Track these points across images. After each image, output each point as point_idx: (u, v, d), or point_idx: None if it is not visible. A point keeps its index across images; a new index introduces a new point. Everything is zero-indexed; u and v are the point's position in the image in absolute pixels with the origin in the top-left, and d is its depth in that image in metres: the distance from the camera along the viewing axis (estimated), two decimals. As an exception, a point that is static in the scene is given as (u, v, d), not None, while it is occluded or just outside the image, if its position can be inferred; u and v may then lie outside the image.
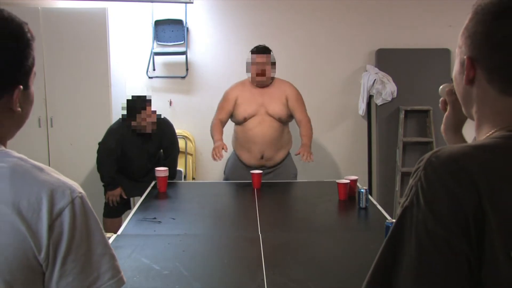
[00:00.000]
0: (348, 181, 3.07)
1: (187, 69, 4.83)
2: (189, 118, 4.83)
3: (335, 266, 2.15)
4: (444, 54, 4.72)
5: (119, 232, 2.53)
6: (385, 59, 4.75)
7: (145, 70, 4.80)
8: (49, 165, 1.01)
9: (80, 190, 0.97)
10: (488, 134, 0.84)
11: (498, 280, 0.73)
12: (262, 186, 3.36)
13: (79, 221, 0.93)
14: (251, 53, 3.62)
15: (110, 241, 2.32)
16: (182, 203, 3.24)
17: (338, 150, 4.97)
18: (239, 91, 3.66)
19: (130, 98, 3.71)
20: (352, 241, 2.46)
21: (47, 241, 0.90)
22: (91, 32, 4.23)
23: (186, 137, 4.77)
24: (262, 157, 3.62)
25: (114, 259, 0.98)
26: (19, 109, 0.98)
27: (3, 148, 0.97)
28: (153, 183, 3.44)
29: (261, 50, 3.59)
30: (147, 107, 3.60)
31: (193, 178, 4.81)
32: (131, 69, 4.81)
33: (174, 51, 4.78)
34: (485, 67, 0.84)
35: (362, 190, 2.87)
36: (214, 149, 3.45)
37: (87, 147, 4.04)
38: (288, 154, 3.75)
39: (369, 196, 2.99)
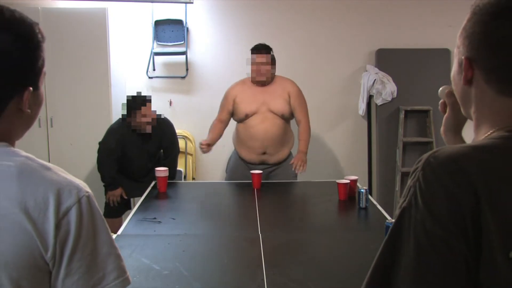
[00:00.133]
0: (348, 181, 3.07)
1: (187, 69, 4.83)
2: (189, 118, 4.84)
3: (335, 266, 2.15)
4: (444, 54, 4.72)
5: (119, 232, 2.53)
6: (385, 59, 4.75)
7: (145, 70, 4.81)
8: (49, 165, 1.01)
9: (87, 189, 0.97)
10: (486, 135, 0.84)
11: (496, 281, 0.73)
12: (262, 186, 3.36)
13: (85, 220, 0.94)
14: (251, 52, 3.62)
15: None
16: (182, 203, 3.24)
17: (338, 150, 4.97)
18: (239, 89, 3.67)
19: (130, 96, 3.71)
20: (352, 241, 2.46)
21: (53, 240, 0.90)
22: (91, 32, 4.23)
23: (186, 137, 4.77)
24: (264, 153, 3.63)
25: (120, 259, 0.98)
26: (29, 110, 0.98)
27: (11, 147, 0.97)
28: (153, 183, 3.44)
29: (260, 49, 3.59)
30: (145, 106, 3.59)
31: (193, 178, 4.81)
32: (131, 69, 4.81)
33: (174, 51, 4.78)
34: (483, 67, 0.84)
35: (362, 190, 2.87)
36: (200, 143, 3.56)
37: (87, 147, 4.04)
38: (290, 153, 3.76)
39: (369, 196, 2.99)
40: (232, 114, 3.70)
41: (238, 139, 3.73)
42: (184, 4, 4.67)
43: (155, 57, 4.80)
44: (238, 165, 3.73)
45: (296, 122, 3.69)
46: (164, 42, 4.79)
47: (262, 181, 3.39)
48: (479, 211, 0.73)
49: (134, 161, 3.73)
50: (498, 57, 0.81)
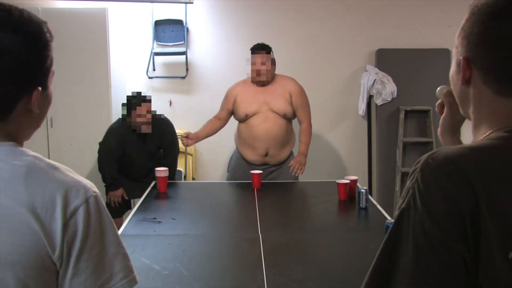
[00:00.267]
0: (348, 181, 3.07)
1: (187, 69, 4.83)
2: (189, 118, 4.83)
3: (335, 266, 2.15)
4: (444, 54, 4.72)
5: (119, 232, 2.52)
6: (385, 59, 4.75)
7: (145, 70, 4.81)
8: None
9: (95, 189, 0.97)
10: (485, 135, 0.84)
11: (495, 281, 0.73)
12: (262, 186, 3.36)
13: (93, 220, 0.94)
14: (251, 52, 3.62)
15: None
16: (182, 203, 3.24)
17: (338, 150, 4.97)
18: (240, 89, 3.67)
19: (130, 96, 3.72)
20: (352, 241, 2.46)
21: (61, 240, 0.90)
22: (91, 32, 4.24)
23: (186, 137, 4.77)
24: (266, 154, 3.62)
25: (127, 259, 0.99)
26: (38, 110, 0.98)
27: (19, 147, 0.97)
28: (153, 183, 3.44)
29: (259, 49, 3.58)
30: (143, 105, 3.58)
31: (193, 178, 4.81)
32: (131, 69, 4.81)
33: (174, 51, 4.78)
34: (481, 67, 0.84)
35: (362, 190, 2.87)
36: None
37: (87, 147, 4.04)
38: (291, 153, 3.75)
39: (369, 196, 2.99)
40: (233, 114, 3.70)
41: (240, 139, 3.72)
42: (184, 4, 4.67)
43: (155, 57, 4.81)
44: (240, 165, 3.73)
45: (299, 121, 3.68)
46: (164, 42, 4.79)
47: (262, 181, 3.38)
48: (477, 212, 0.73)
49: (134, 161, 3.73)
50: (496, 57, 0.81)
